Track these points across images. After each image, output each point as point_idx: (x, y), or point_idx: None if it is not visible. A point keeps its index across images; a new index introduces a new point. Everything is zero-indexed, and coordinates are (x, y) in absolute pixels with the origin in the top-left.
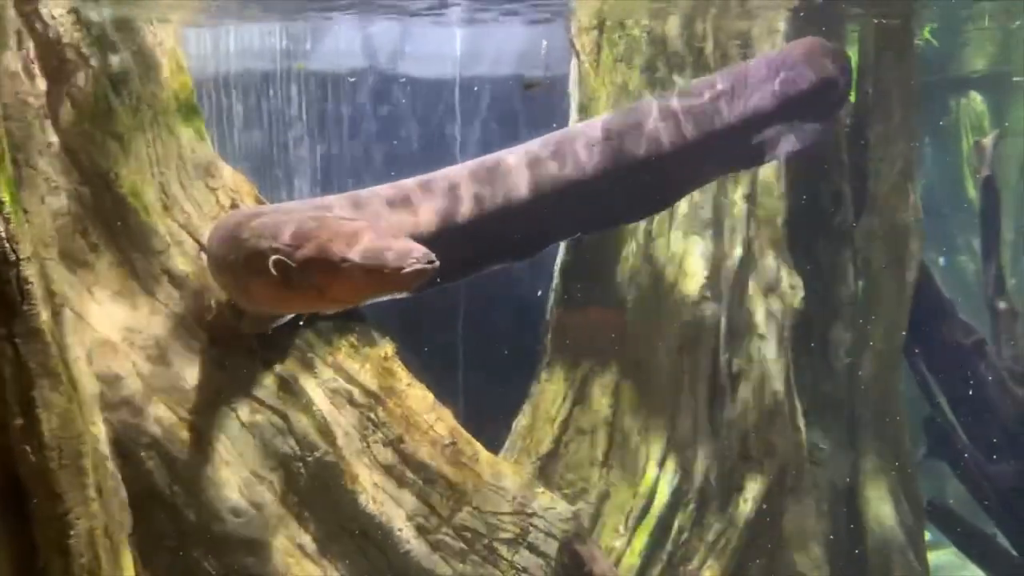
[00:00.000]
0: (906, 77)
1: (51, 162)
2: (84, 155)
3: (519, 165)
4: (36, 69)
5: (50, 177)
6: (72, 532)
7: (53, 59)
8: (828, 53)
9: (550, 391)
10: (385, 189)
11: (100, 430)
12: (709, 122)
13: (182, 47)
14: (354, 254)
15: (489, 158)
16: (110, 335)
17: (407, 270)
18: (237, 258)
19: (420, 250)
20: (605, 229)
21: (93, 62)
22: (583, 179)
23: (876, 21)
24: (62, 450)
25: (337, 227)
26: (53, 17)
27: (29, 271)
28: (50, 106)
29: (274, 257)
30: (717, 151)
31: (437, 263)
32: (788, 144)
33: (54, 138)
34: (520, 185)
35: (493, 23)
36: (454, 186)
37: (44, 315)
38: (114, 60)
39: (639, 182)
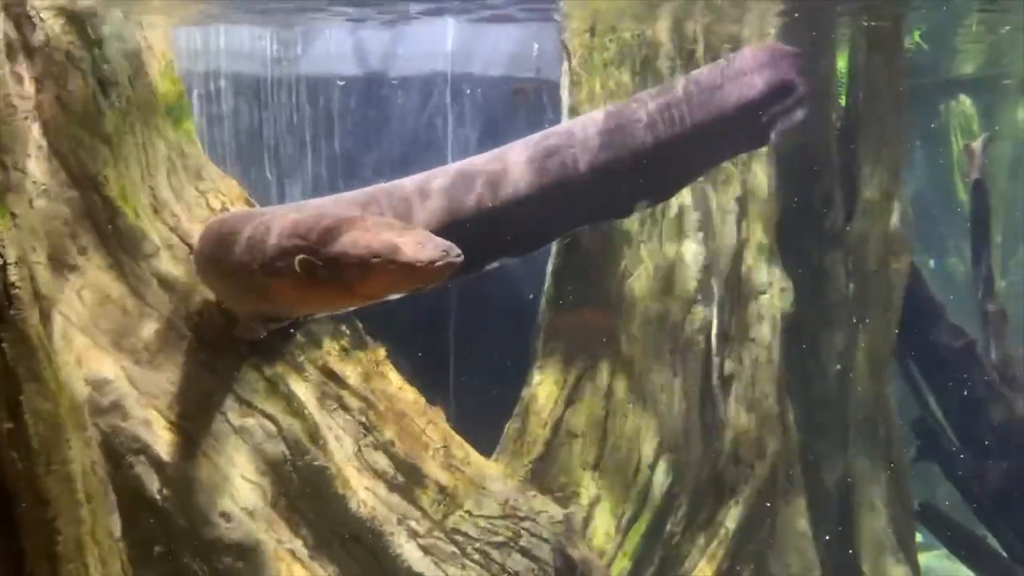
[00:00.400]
0: (896, 81)
1: (40, 165)
2: (73, 158)
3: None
4: (24, 71)
5: (38, 180)
6: (60, 538)
7: (42, 61)
8: (784, 57)
9: (542, 394)
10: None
11: (89, 435)
12: (664, 131)
13: (172, 48)
14: (385, 249)
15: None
16: (99, 339)
17: (438, 264)
18: (252, 259)
19: (447, 243)
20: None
21: (82, 64)
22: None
23: (866, 24)
24: (50, 456)
25: (364, 223)
26: (42, 19)
27: (16, 275)
28: (39, 109)
29: (300, 257)
30: (673, 161)
31: (463, 257)
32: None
33: (43, 141)
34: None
35: (485, 25)
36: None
37: (32, 319)
38: (103, 62)
39: (586, 197)
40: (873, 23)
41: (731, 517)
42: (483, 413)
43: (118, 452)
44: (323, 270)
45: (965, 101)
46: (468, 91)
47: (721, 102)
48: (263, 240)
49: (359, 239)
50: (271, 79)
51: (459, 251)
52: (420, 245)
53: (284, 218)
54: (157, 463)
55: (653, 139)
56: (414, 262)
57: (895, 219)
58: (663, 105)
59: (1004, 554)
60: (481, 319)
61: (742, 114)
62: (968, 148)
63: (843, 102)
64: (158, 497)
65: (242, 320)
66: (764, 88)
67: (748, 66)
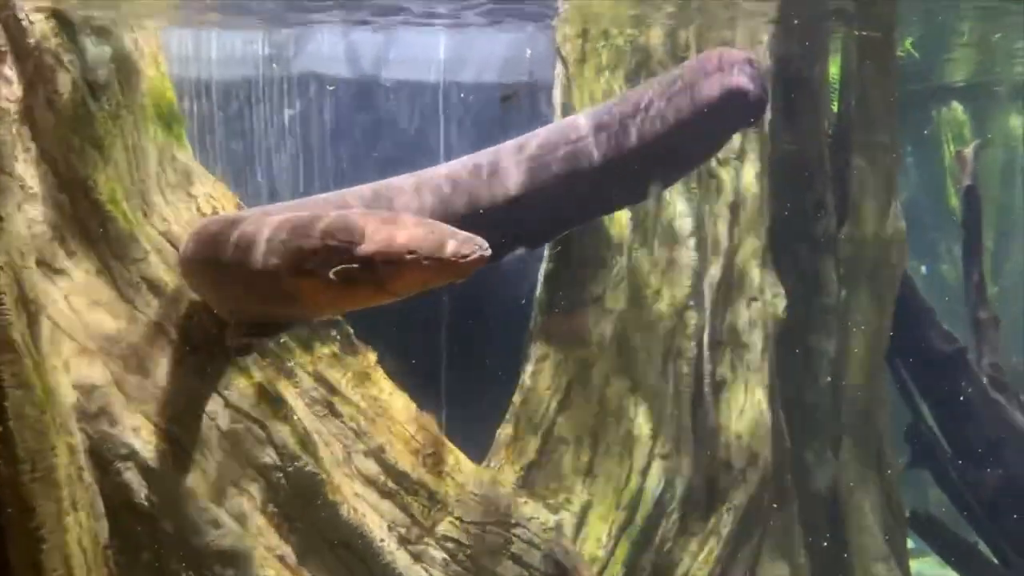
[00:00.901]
0: (888, 88)
1: (28, 168)
2: (62, 161)
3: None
4: (13, 74)
5: (27, 184)
6: (45, 547)
7: (31, 64)
8: (736, 63)
9: (533, 400)
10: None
11: (76, 441)
12: (618, 146)
13: (163, 52)
14: (418, 245)
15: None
16: (87, 344)
17: (470, 258)
18: (268, 261)
19: (476, 237)
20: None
21: (72, 67)
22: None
23: (858, 33)
24: (35, 463)
25: (392, 220)
26: (31, 21)
27: (3, 280)
28: (27, 112)
29: (337, 260)
30: (624, 176)
31: (491, 251)
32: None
33: (31, 144)
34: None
35: (477, 30)
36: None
37: (18, 325)
38: (93, 65)
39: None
40: (864, 32)
41: (723, 524)
42: (474, 419)
43: (106, 458)
44: (357, 269)
45: (957, 108)
46: (460, 97)
47: (674, 112)
48: (290, 241)
49: (392, 236)
50: (262, 82)
51: (488, 245)
52: (452, 240)
53: (306, 218)
54: (145, 469)
55: (601, 157)
56: (448, 257)
57: (887, 225)
58: (611, 120)
59: (995, 560)
60: (472, 324)
61: (696, 123)
62: (960, 155)
63: (835, 108)
64: (146, 503)
65: (231, 326)
66: (716, 96)
67: (699, 74)
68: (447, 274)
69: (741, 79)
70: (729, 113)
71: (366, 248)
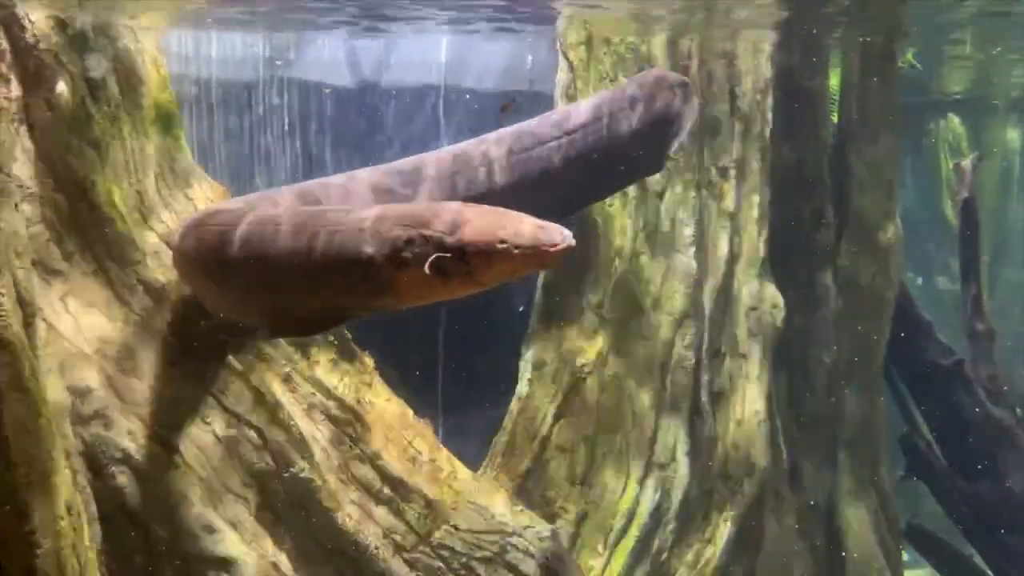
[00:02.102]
0: (889, 100)
1: (26, 168)
2: (60, 162)
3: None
4: (12, 74)
5: (24, 184)
6: (39, 551)
7: (30, 64)
8: (670, 86)
9: (530, 408)
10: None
11: (71, 444)
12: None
13: (164, 54)
14: (508, 235)
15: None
16: (83, 346)
17: (559, 247)
18: (360, 250)
19: (562, 228)
20: None
21: (71, 68)
22: None
23: (861, 40)
24: (31, 467)
25: (476, 209)
26: (31, 21)
27: (0, 281)
28: (26, 112)
29: (431, 250)
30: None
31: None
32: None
33: (29, 144)
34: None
35: (478, 36)
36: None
37: (15, 326)
38: (93, 66)
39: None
40: (868, 38)
41: (719, 534)
42: (471, 426)
43: (100, 462)
44: (449, 259)
45: (954, 120)
46: (461, 103)
47: (611, 132)
48: (387, 230)
49: (483, 225)
50: (262, 84)
51: (572, 235)
52: (540, 229)
53: (403, 207)
54: (139, 473)
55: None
56: (539, 246)
57: (886, 237)
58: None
59: (990, 573)
60: (470, 331)
61: (631, 143)
62: (958, 167)
63: (835, 119)
64: (140, 508)
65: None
66: (649, 118)
67: (636, 96)
68: (535, 263)
69: (676, 102)
70: (662, 131)
71: (459, 238)
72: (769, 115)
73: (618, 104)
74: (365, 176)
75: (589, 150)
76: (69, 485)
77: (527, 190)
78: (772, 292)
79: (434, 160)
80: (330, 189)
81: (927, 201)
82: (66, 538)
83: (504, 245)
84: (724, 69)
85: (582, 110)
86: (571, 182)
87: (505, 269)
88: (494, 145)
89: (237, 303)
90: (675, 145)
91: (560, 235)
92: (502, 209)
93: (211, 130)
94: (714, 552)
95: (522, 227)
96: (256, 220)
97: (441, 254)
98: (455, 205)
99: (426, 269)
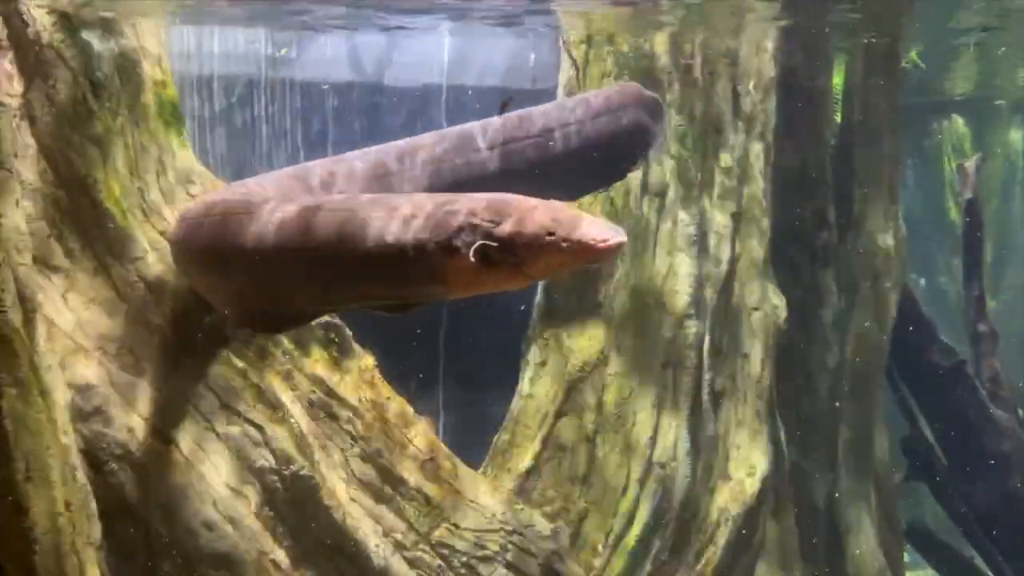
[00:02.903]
0: (892, 99)
1: (27, 164)
2: (61, 158)
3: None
4: (13, 69)
5: (26, 180)
6: (37, 547)
7: (32, 60)
8: (643, 102)
9: (531, 407)
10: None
11: (71, 441)
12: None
13: (165, 50)
14: (557, 228)
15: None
16: (84, 343)
17: (611, 243)
18: (409, 238)
19: (613, 224)
20: None
21: (73, 64)
22: None
23: (865, 41)
24: (30, 463)
25: (525, 201)
26: (33, 17)
27: (0, 276)
28: (27, 108)
29: (479, 240)
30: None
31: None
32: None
33: (31, 140)
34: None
35: (480, 35)
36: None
37: (15, 322)
38: (95, 62)
39: None
40: (873, 39)
41: (720, 535)
42: (472, 425)
43: (100, 458)
44: (496, 249)
45: (958, 121)
46: (464, 101)
47: (583, 138)
48: (430, 218)
49: (532, 216)
50: (264, 82)
51: (624, 232)
52: (591, 224)
53: (451, 196)
54: (140, 470)
55: (499, 169)
56: (589, 240)
57: (888, 237)
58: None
59: (991, 575)
60: (471, 330)
61: (601, 150)
62: (962, 168)
63: (839, 119)
64: (140, 505)
65: (231, 320)
66: (621, 129)
67: (609, 107)
68: (584, 258)
69: (647, 118)
70: (629, 145)
71: (506, 228)
72: (772, 114)
73: (590, 112)
74: (356, 158)
75: (558, 153)
76: (69, 481)
77: (483, 187)
78: (774, 292)
79: (401, 149)
80: (324, 171)
81: (930, 202)
82: (65, 534)
83: (552, 238)
84: (727, 68)
85: (553, 113)
86: (531, 181)
87: (553, 262)
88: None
89: (245, 297)
90: (640, 161)
91: (611, 231)
92: (556, 202)
93: (212, 127)
94: (714, 552)
95: (573, 221)
96: (290, 208)
97: (488, 242)
98: (508, 195)
99: (470, 256)
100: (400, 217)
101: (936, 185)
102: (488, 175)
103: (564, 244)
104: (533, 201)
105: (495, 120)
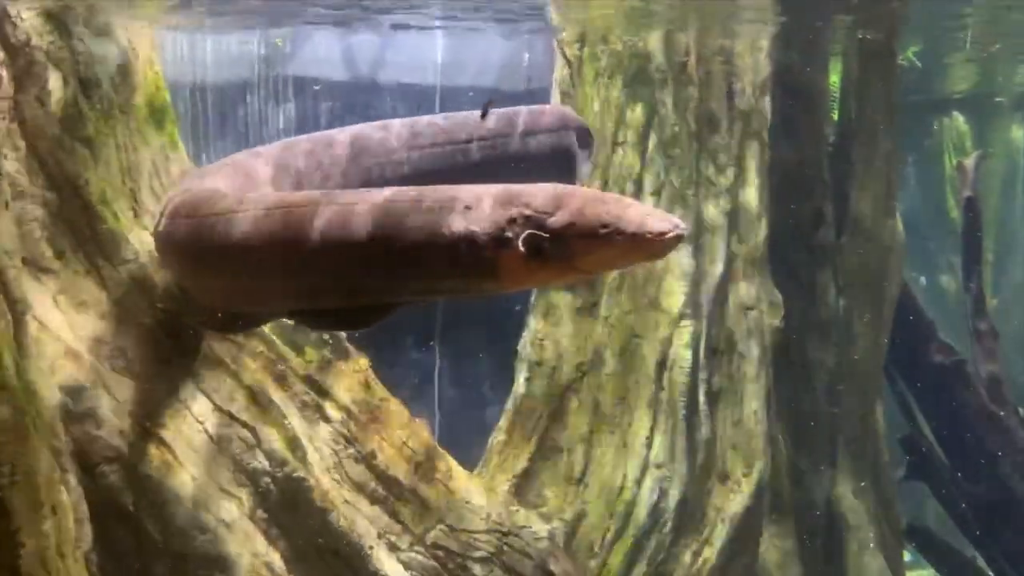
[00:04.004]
0: (889, 96)
1: (17, 166)
2: (52, 160)
3: None
4: (3, 71)
5: (16, 181)
6: (22, 552)
7: (22, 61)
8: (575, 125)
9: (527, 408)
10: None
11: (60, 444)
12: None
13: (157, 52)
14: (612, 220)
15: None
16: (75, 345)
17: (668, 235)
18: (465, 230)
19: (671, 215)
20: None
21: (63, 65)
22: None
23: (860, 38)
24: (14, 466)
25: (579, 192)
26: (23, 19)
27: None
28: (18, 109)
29: (528, 231)
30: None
31: (688, 230)
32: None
33: (21, 142)
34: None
35: (474, 35)
36: None
37: (1, 324)
38: (86, 64)
39: None
40: (868, 36)
41: (717, 535)
42: (469, 426)
43: (91, 461)
44: (548, 241)
45: (958, 118)
46: (458, 100)
47: (508, 153)
48: (482, 209)
49: (586, 208)
50: (257, 82)
51: (684, 224)
52: (648, 215)
53: (506, 187)
54: (132, 473)
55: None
56: (644, 233)
57: (887, 235)
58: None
59: (991, 574)
60: (467, 330)
61: (523, 168)
62: (961, 165)
63: (836, 118)
64: (131, 507)
65: (219, 317)
66: (547, 150)
67: (537, 127)
68: (641, 253)
69: (573, 141)
70: (554, 167)
71: (559, 219)
72: (768, 113)
73: (524, 128)
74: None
75: (484, 161)
76: (56, 484)
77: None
78: (771, 291)
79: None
80: (300, 150)
81: (931, 200)
82: (51, 538)
83: (607, 230)
84: (721, 66)
85: (489, 121)
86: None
87: (607, 256)
88: (398, 134)
89: (253, 295)
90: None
91: (669, 223)
92: (611, 194)
93: (205, 126)
94: (712, 552)
95: (628, 212)
96: (328, 205)
97: (539, 233)
98: (565, 185)
99: (520, 246)
100: (453, 209)
101: (937, 183)
102: (402, 177)
103: (619, 237)
104: (591, 191)
105: (419, 122)
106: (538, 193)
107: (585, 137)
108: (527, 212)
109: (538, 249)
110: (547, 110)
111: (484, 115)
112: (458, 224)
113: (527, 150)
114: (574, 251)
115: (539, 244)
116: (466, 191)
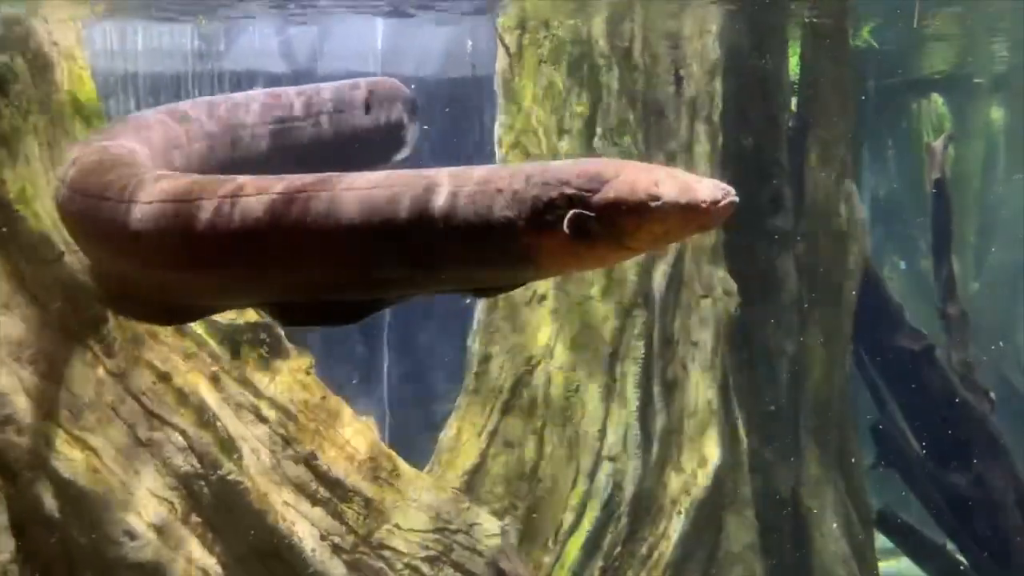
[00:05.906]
0: (842, 79)
1: None
2: None
3: None
4: None
5: None
6: None
7: None
8: (403, 97)
9: (477, 403)
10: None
11: None
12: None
13: (85, 47)
14: (662, 191)
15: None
16: None
17: (722, 204)
18: (501, 215)
19: (720, 183)
20: None
21: None
22: None
23: (807, 20)
24: None
25: (623, 165)
26: None
27: None
28: None
29: (573, 212)
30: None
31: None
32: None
33: None
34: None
35: (416, 22)
36: None
37: None
38: (1, 60)
39: None
40: (815, 19)
41: (673, 527)
42: (419, 422)
43: (14, 469)
44: (594, 220)
45: (937, 100)
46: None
47: (338, 127)
48: (515, 191)
49: (633, 181)
50: (192, 76)
51: (734, 190)
52: (697, 183)
53: (542, 166)
54: (56, 479)
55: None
56: (697, 203)
57: (844, 219)
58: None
59: (964, 561)
60: (416, 324)
61: (354, 141)
62: (929, 147)
63: (794, 102)
64: (57, 515)
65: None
66: (378, 123)
67: (356, 99)
68: (694, 224)
69: (402, 113)
70: (385, 139)
71: (605, 195)
72: (718, 97)
73: (351, 102)
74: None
75: (321, 137)
76: None
77: (255, 164)
78: (724, 278)
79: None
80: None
81: (909, 183)
82: None
83: (657, 203)
84: (669, 50)
85: (324, 95)
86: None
87: (657, 231)
88: (247, 111)
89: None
90: (391, 157)
91: (721, 191)
92: (652, 164)
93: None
94: (668, 545)
95: (676, 182)
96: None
97: (584, 212)
98: (601, 160)
99: (564, 228)
100: (485, 191)
101: (917, 166)
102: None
103: (671, 209)
104: (630, 163)
105: (255, 95)
106: (575, 169)
107: (412, 108)
108: (568, 191)
109: (584, 230)
110: (373, 81)
111: (368, 109)
112: (492, 209)
113: (356, 125)
114: (624, 229)
115: (584, 225)
116: (499, 172)
